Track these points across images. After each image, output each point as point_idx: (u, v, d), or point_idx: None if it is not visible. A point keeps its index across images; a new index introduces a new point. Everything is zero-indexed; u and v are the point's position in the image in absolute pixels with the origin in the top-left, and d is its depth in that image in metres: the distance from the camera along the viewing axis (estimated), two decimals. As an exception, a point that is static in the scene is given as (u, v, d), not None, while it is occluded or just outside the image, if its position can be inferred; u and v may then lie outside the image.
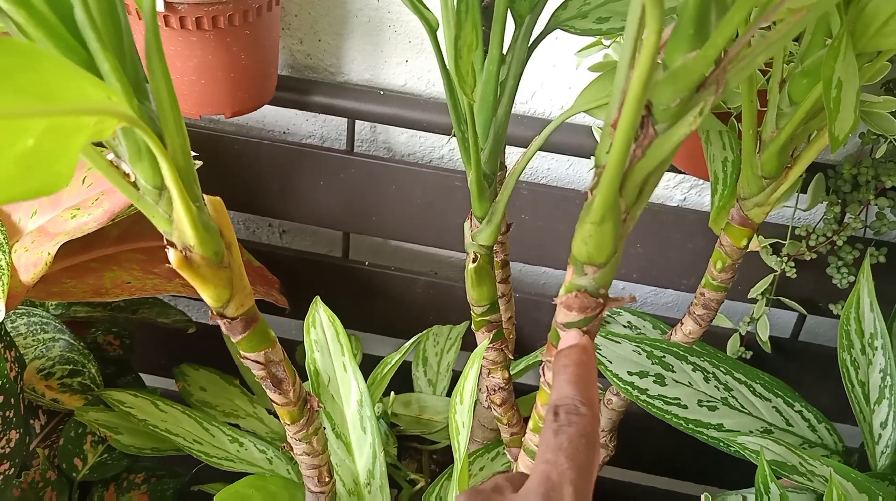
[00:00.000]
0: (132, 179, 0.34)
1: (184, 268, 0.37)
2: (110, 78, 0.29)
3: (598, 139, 0.73)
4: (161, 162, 0.32)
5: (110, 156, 0.34)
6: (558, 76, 0.80)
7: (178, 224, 0.35)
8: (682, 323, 0.63)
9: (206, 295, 0.39)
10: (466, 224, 0.54)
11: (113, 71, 0.29)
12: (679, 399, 0.62)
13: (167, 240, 0.37)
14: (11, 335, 0.66)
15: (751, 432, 0.62)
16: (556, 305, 0.35)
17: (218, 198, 0.38)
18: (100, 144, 0.34)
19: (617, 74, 0.31)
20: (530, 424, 0.40)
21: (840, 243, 0.69)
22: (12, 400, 0.54)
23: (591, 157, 0.75)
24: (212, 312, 0.41)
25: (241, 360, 0.43)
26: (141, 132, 0.30)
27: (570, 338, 0.33)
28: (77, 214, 0.57)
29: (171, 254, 0.36)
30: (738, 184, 0.58)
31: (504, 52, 0.47)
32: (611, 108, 0.31)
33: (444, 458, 0.80)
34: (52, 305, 0.74)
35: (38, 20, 0.28)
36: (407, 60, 0.81)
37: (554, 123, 0.48)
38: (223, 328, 0.41)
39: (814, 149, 0.51)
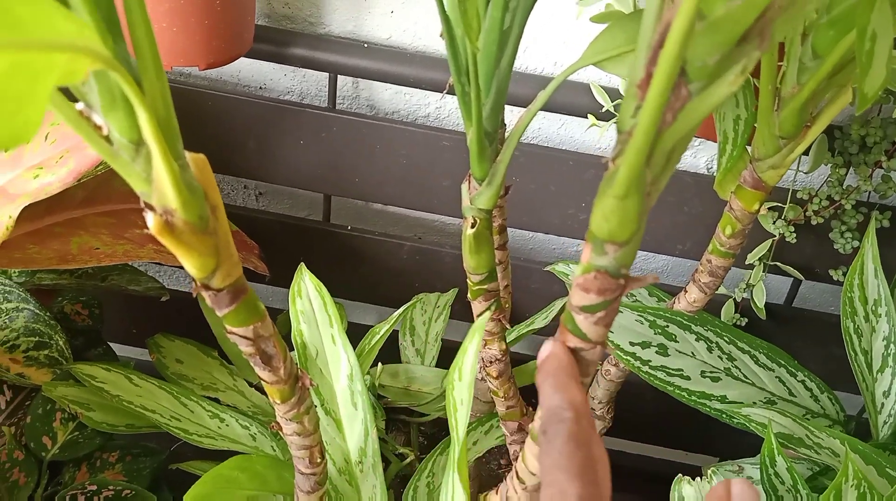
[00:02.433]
0: (105, 133, 0.30)
1: (164, 234, 0.32)
2: (80, 9, 0.25)
3: (596, 98, 0.70)
4: (139, 111, 0.28)
5: (79, 105, 0.30)
6: (553, 30, 0.76)
7: (158, 185, 0.31)
8: (686, 291, 0.60)
9: (190, 265, 0.35)
10: (464, 186, 0.50)
11: (83, 1, 0.24)
12: (682, 370, 0.59)
13: (145, 203, 0.33)
14: (-30, 304, 0.61)
15: (754, 403, 0.60)
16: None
17: (202, 155, 0.34)
18: (66, 93, 0.30)
19: (643, 25, 0.27)
20: (540, 411, 0.37)
21: (848, 206, 0.66)
22: (-27, 377, 0.50)
23: (587, 116, 0.72)
24: (195, 283, 0.37)
25: (228, 335, 0.39)
26: (117, 76, 0.26)
27: (543, 350, 0.33)
28: (40, 173, 0.52)
29: (150, 218, 0.32)
30: (749, 144, 0.55)
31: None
32: (636, 65, 0.28)
33: (433, 430, 0.77)
34: (14, 272, 0.70)
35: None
36: (392, 11, 0.76)
37: (561, 75, 0.44)
38: (208, 301, 0.37)
39: (836, 106, 0.48)
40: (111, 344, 0.79)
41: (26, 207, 0.54)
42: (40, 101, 0.21)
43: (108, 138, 0.30)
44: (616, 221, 0.29)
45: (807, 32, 0.47)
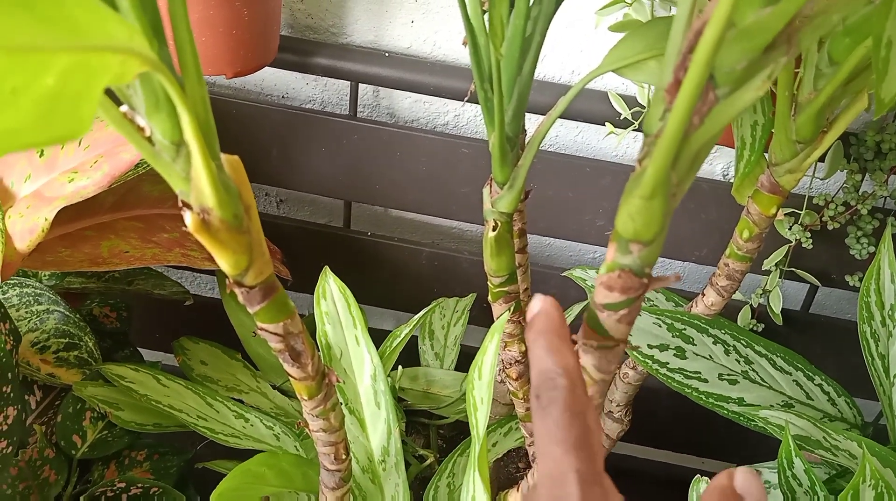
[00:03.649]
0: (147, 134, 0.32)
1: (201, 232, 0.34)
2: (129, 14, 0.26)
3: (614, 105, 0.71)
4: (182, 113, 0.29)
5: (123, 108, 0.31)
6: (570, 38, 0.77)
7: (197, 184, 0.33)
8: (704, 294, 0.61)
9: (224, 262, 0.36)
10: (486, 190, 0.52)
11: (133, 7, 0.26)
12: (699, 373, 0.60)
13: (182, 201, 0.34)
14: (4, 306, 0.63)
15: (772, 406, 0.60)
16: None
17: (236, 157, 0.36)
18: (111, 96, 0.31)
19: (673, 31, 0.28)
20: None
21: (864, 212, 0.67)
22: (9, 375, 0.51)
23: (604, 123, 0.73)
24: (229, 280, 0.38)
25: (259, 331, 0.40)
26: (162, 78, 0.27)
27: (534, 305, 0.31)
28: (75, 177, 0.54)
29: (188, 216, 0.33)
30: (767, 149, 0.56)
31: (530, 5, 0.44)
32: (665, 70, 0.29)
33: (452, 433, 0.78)
34: (45, 275, 0.71)
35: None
36: (413, 21, 0.78)
37: (581, 82, 0.45)
38: (240, 298, 0.39)
39: (852, 112, 0.49)
40: (139, 348, 0.80)
41: (59, 211, 0.56)
42: (93, 100, 0.22)
43: (149, 139, 0.32)
44: (641, 221, 0.30)
45: (823, 39, 0.48)
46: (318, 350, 0.57)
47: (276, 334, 0.40)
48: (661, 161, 0.28)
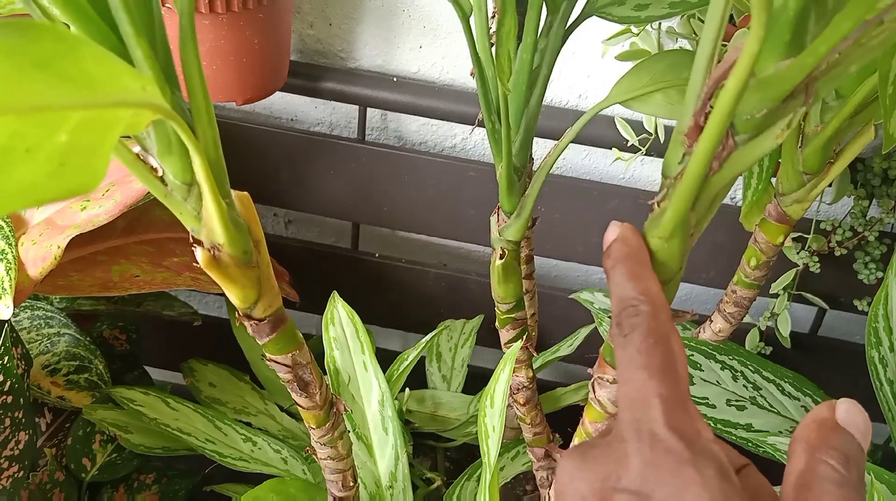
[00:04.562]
0: (159, 174, 0.32)
1: (211, 268, 0.34)
2: (143, 66, 0.27)
3: (621, 132, 0.71)
4: (193, 156, 0.30)
5: (136, 149, 0.32)
6: (577, 64, 0.77)
7: (207, 222, 0.33)
8: (712, 320, 0.61)
9: (233, 296, 0.37)
10: (493, 219, 0.52)
11: (146, 58, 0.27)
12: (707, 399, 0.60)
13: (193, 238, 0.35)
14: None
15: (780, 432, 0.60)
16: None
17: (245, 193, 0.36)
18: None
19: (692, 78, 0.28)
20: (576, 439, 0.38)
21: (871, 237, 0.67)
22: (21, 400, 0.52)
23: (612, 149, 0.73)
24: (238, 313, 0.38)
25: (268, 362, 0.41)
26: (174, 125, 0.28)
27: (610, 233, 0.30)
28: (87, 205, 0.55)
29: (199, 253, 0.34)
30: (774, 179, 0.56)
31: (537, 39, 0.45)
32: (684, 115, 0.29)
33: (459, 455, 0.78)
34: (56, 298, 0.72)
35: (67, 1, 0.26)
36: (421, 46, 0.78)
37: (589, 113, 0.46)
38: (249, 330, 0.39)
39: (858, 144, 0.49)
40: (147, 367, 0.81)
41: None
42: (106, 153, 0.23)
43: (162, 179, 0.32)
44: (659, 260, 0.30)
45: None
46: (327, 377, 0.57)
47: (284, 365, 0.41)
48: (680, 204, 0.29)
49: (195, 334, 0.82)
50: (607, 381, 0.34)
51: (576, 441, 0.38)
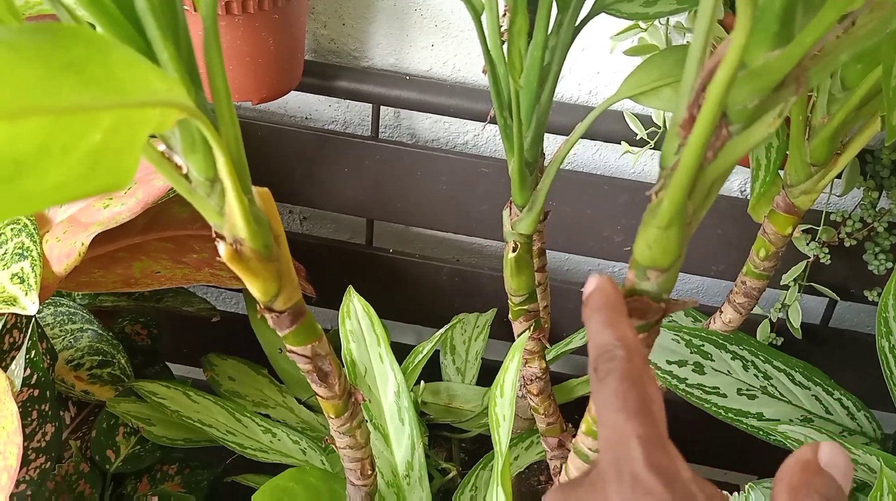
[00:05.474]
0: (183, 171, 0.33)
1: (234, 262, 0.36)
2: (168, 67, 0.28)
3: (630, 125, 0.72)
4: (217, 154, 0.31)
5: (161, 147, 0.33)
6: (586, 60, 0.78)
7: (230, 217, 0.34)
8: (722, 311, 0.62)
9: (255, 289, 0.38)
10: (505, 212, 0.53)
11: (172, 60, 0.28)
12: (718, 388, 0.61)
13: (216, 233, 0.36)
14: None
15: (791, 421, 0.61)
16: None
17: (266, 189, 0.37)
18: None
19: (686, 70, 0.29)
20: (583, 426, 0.39)
21: (881, 228, 0.68)
22: (47, 393, 0.54)
23: (621, 142, 0.74)
24: (259, 306, 0.40)
25: (288, 353, 0.42)
26: (199, 123, 0.29)
27: (589, 285, 0.31)
28: (110, 204, 0.56)
29: (222, 247, 0.35)
30: (782, 171, 0.57)
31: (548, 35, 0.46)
32: (679, 107, 0.30)
33: (474, 447, 0.79)
34: (78, 295, 0.74)
35: (94, 4, 0.27)
36: (433, 45, 0.79)
37: (599, 108, 0.47)
38: (270, 322, 0.40)
39: (865, 135, 0.50)
40: (168, 363, 0.82)
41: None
42: (136, 152, 0.24)
43: (186, 176, 0.34)
44: (659, 249, 0.32)
45: (834, 63, 0.49)
46: (344, 368, 0.59)
47: (304, 356, 0.42)
48: (677, 193, 0.30)
49: (213, 329, 0.84)
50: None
51: (583, 427, 0.39)
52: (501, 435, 0.48)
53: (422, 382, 0.75)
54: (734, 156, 0.29)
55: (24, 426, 0.48)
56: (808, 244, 0.73)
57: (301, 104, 0.87)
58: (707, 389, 0.60)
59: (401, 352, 0.72)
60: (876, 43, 0.45)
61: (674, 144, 0.30)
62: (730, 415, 0.60)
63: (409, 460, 0.55)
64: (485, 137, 0.86)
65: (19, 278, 0.51)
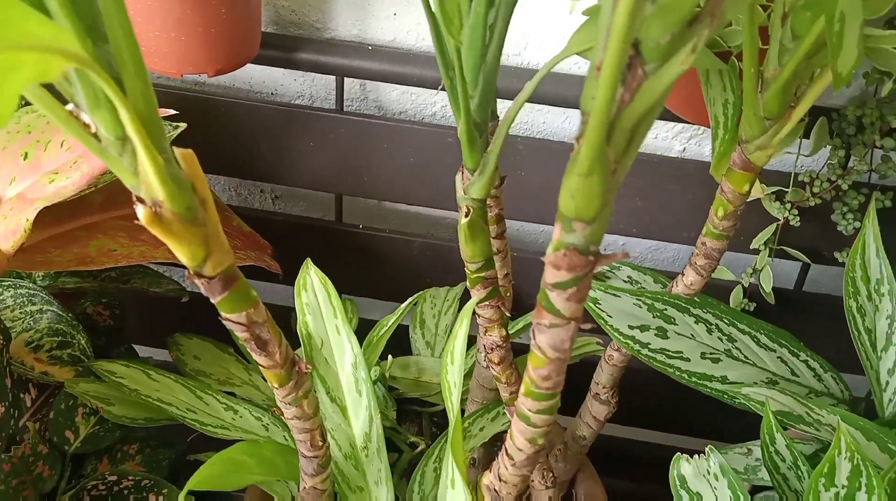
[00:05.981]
0: (93, 130, 0.32)
1: (154, 225, 0.35)
2: (58, 16, 0.27)
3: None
4: (119, 108, 0.30)
5: (69, 106, 0.32)
6: (552, 27, 0.77)
7: (145, 177, 0.33)
8: (684, 274, 0.61)
9: (181, 253, 0.37)
10: (458, 177, 0.52)
11: (61, 7, 0.27)
12: (681, 352, 0.60)
13: (135, 196, 0.35)
14: (-3, 307, 0.64)
15: (755, 383, 0.60)
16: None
17: (189, 150, 0.36)
18: (63, 100, 0.32)
19: (602, 11, 0.29)
20: (522, 388, 0.39)
21: (845, 187, 0.67)
22: (-4, 372, 0.53)
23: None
24: (188, 271, 0.39)
25: (224, 322, 0.41)
26: (94, 75, 0.28)
27: None
28: (55, 178, 0.55)
29: (140, 210, 0.34)
30: (739, 127, 0.56)
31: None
32: (596, 48, 0.29)
33: (444, 420, 0.78)
34: (39, 276, 0.73)
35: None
36: (395, 14, 0.78)
37: (546, 67, 0.46)
38: (202, 289, 0.39)
39: (818, 87, 0.49)
40: (136, 345, 0.81)
41: (48, 212, 0.57)
42: (9, 96, 0.23)
43: (96, 136, 0.32)
44: (582, 198, 0.31)
45: (787, 14, 0.48)
46: (298, 343, 0.58)
47: (239, 323, 0.41)
48: (593, 137, 0.29)
49: (182, 310, 0.83)
50: (545, 326, 0.34)
51: (522, 388, 0.38)
52: (453, 403, 0.47)
53: (389, 356, 0.74)
54: (652, 96, 0.28)
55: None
56: (776, 205, 0.72)
57: (266, 79, 0.86)
58: (670, 353, 0.60)
59: (371, 328, 0.71)
60: (820, -12, 0.44)
61: (592, 88, 0.29)
62: (693, 379, 0.60)
63: (366, 431, 0.55)
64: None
65: (-38, 255, 0.50)
